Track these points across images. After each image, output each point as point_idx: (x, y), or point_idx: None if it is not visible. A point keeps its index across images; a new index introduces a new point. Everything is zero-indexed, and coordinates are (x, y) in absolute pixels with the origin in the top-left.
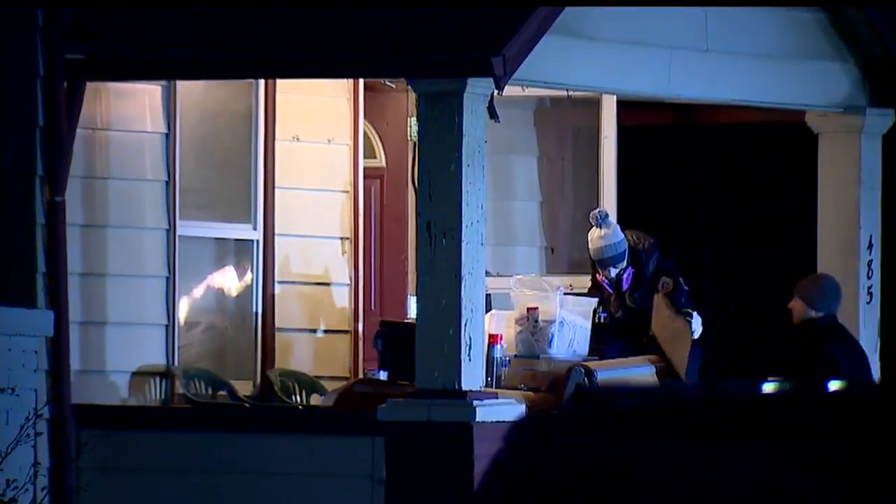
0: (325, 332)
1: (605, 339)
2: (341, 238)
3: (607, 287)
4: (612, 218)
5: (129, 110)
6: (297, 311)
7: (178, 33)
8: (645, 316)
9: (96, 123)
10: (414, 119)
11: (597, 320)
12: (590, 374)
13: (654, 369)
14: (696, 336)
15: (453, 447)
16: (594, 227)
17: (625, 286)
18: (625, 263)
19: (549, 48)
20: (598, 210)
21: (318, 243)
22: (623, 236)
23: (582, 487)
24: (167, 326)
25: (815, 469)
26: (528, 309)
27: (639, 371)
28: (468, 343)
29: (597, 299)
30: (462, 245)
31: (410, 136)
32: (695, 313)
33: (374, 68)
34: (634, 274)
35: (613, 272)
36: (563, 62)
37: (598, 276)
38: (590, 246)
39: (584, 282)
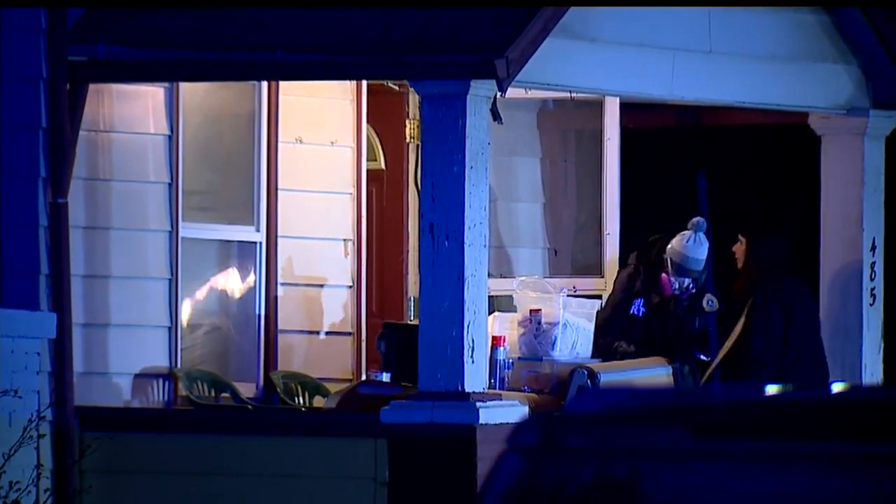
0: (328, 333)
1: (633, 331)
2: (344, 240)
3: (669, 286)
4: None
5: (132, 112)
6: (299, 312)
7: (181, 35)
8: (679, 327)
9: (99, 125)
10: (412, 121)
11: (632, 311)
12: (593, 375)
13: (671, 370)
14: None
15: (456, 449)
16: (691, 233)
17: (685, 295)
18: (690, 281)
19: (553, 50)
20: (698, 219)
21: (320, 245)
22: (706, 254)
23: (586, 490)
24: (170, 328)
25: (819, 472)
26: (532, 311)
27: (652, 372)
28: (471, 345)
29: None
30: (465, 247)
31: (410, 137)
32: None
33: (377, 70)
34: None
35: (687, 282)
36: (566, 64)
37: (664, 274)
38: (678, 249)
39: (588, 283)
